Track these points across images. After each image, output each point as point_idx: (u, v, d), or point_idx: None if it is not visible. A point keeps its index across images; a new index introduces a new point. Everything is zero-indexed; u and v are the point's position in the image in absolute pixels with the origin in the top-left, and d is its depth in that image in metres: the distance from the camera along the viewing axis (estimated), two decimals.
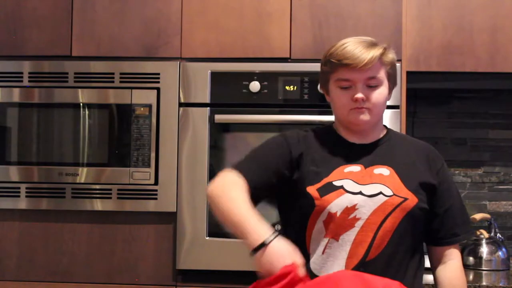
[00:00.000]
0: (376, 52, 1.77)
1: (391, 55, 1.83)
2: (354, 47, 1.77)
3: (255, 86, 2.51)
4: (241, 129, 2.56)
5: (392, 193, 1.75)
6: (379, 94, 1.80)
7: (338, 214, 1.73)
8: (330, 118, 2.43)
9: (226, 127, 2.56)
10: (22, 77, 2.60)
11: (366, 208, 1.73)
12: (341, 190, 1.74)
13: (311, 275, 1.70)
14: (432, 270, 1.88)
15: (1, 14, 2.64)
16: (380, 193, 1.74)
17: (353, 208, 1.72)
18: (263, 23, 2.56)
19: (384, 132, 1.91)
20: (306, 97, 2.50)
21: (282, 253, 1.55)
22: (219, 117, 2.52)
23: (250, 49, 2.56)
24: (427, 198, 1.80)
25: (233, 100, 2.53)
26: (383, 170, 1.80)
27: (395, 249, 1.74)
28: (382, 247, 1.73)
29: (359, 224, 1.72)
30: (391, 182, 1.78)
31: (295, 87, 2.50)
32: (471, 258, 2.74)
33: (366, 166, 1.81)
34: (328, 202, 1.73)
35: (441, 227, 1.84)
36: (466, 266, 2.73)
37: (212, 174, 2.50)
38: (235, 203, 1.66)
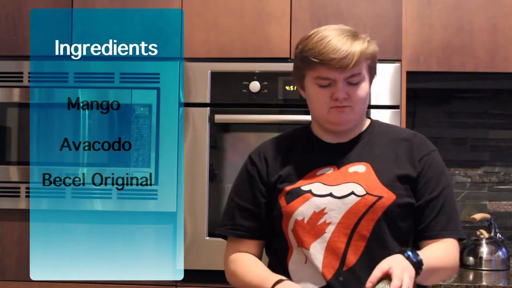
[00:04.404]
0: (361, 47, 1.60)
1: (372, 47, 1.66)
2: (337, 44, 1.58)
3: (255, 86, 2.50)
4: (241, 129, 2.56)
5: (365, 192, 1.59)
6: (361, 90, 1.63)
7: (305, 220, 1.60)
8: None
9: (226, 127, 2.56)
10: (22, 77, 2.60)
11: (336, 211, 1.58)
12: (308, 194, 1.61)
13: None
14: None
15: (1, 14, 2.64)
16: (352, 193, 1.59)
17: (321, 213, 1.59)
18: (263, 23, 2.56)
19: (366, 126, 1.74)
20: None
21: None
22: (219, 117, 2.51)
23: (250, 49, 2.56)
24: (412, 192, 1.63)
25: (233, 100, 2.52)
26: (359, 167, 1.65)
27: (374, 254, 1.56)
28: (359, 253, 1.57)
29: (330, 229, 1.58)
30: (365, 180, 1.61)
31: (295, 87, 2.50)
32: (471, 258, 2.74)
33: (340, 165, 1.65)
34: (294, 208, 1.61)
35: (424, 219, 1.63)
36: (466, 266, 2.74)
37: (212, 174, 2.51)
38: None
